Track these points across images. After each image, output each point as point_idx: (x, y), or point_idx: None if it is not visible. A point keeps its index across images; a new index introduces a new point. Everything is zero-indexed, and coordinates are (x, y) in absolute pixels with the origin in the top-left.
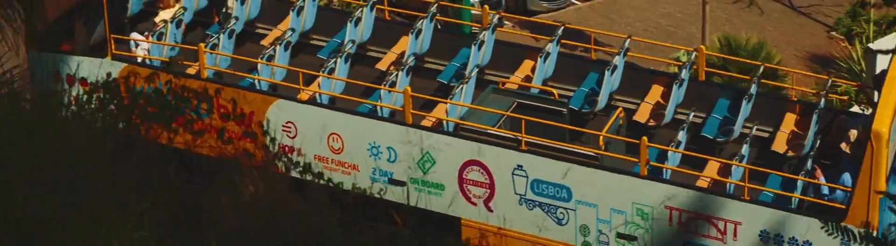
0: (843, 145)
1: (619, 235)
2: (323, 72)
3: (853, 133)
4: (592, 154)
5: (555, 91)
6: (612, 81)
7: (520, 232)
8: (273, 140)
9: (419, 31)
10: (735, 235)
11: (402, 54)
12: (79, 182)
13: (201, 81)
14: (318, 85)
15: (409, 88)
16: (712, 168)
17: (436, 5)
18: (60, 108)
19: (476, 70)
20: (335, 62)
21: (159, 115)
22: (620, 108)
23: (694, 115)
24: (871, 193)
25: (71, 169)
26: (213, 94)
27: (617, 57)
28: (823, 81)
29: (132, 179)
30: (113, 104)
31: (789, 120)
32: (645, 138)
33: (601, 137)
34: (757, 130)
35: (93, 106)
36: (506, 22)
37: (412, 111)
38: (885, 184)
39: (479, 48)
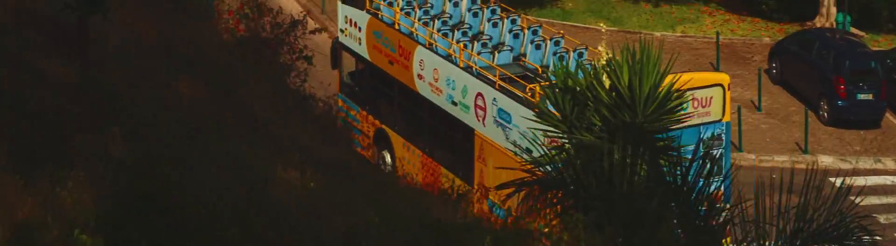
0: None
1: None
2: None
3: None
4: (524, 97)
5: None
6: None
7: (492, 140)
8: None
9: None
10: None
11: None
12: None
13: (395, 30)
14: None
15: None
16: None
17: None
18: None
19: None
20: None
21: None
22: None
23: None
24: None
25: None
26: (397, 39)
27: None
28: None
29: None
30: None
31: None
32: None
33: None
34: None
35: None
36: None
37: (464, 60)
38: None
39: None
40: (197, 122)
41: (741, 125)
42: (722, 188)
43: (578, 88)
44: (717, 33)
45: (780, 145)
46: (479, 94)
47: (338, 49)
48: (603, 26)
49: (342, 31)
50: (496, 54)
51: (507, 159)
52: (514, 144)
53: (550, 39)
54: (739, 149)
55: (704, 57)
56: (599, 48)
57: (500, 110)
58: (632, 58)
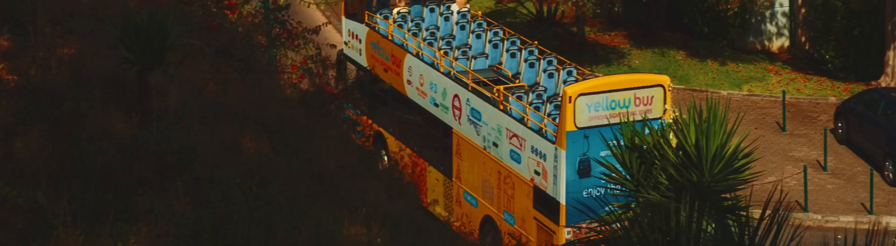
0: None
1: (493, 144)
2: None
3: None
4: (491, 97)
5: (509, 72)
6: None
7: (467, 137)
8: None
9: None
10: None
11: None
12: None
13: (388, 41)
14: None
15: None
16: None
17: None
18: None
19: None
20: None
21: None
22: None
23: None
24: None
25: None
26: (390, 48)
27: None
28: None
29: None
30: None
31: None
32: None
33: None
34: None
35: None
36: None
37: (445, 66)
38: None
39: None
40: (261, 178)
41: (807, 185)
42: None
43: (645, 147)
44: (784, 92)
45: (845, 206)
46: (456, 96)
47: (342, 61)
48: (670, 84)
49: (346, 43)
50: (473, 61)
51: (478, 153)
52: (484, 139)
53: (524, 49)
54: (805, 209)
55: (770, 116)
56: (666, 106)
57: (473, 109)
58: (698, 117)
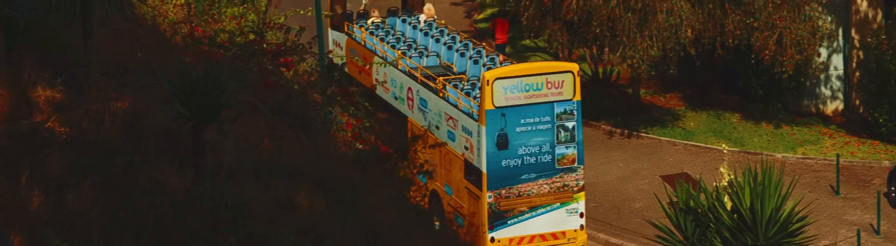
0: None
1: (436, 127)
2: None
3: None
4: (433, 87)
5: (455, 68)
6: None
7: (417, 123)
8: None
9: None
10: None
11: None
12: None
13: (361, 46)
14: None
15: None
16: None
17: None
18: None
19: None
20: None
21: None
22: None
23: None
24: None
25: None
26: (363, 52)
27: None
28: None
29: None
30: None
31: None
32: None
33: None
34: None
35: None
36: None
37: (401, 64)
38: None
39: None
40: (315, 235)
41: None
42: (575, 152)
43: (700, 210)
44: (837, 156)
45: None
46: (409, 89)
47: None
48: (725, 147)
49: (330, 51)
50: (426, 59)
51: (425, 136)
52: (429, 123)
53: (474, 49)
54: None
55: (824, 179)
56: (721, 170)
57: (421, 99)
58: (754, 180)
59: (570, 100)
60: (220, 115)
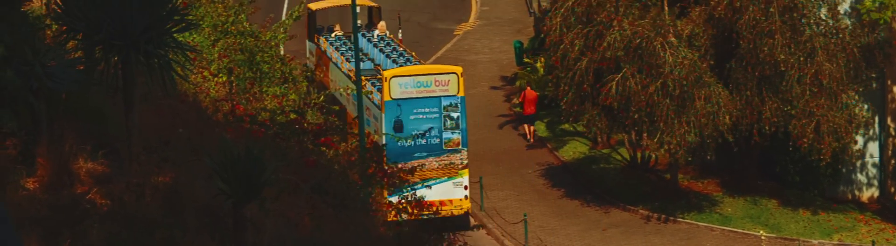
0: None
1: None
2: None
3: None
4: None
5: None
6: None
7: (351, 112)
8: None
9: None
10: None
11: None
12: None
13: (322, 53)
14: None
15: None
16: None
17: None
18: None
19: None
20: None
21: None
22: None
23: None
24: None
25: None
26: (325, 59)
27: None
28: None
29: None
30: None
31: None
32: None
33: None
34: None
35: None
36: None
37: (343, 68)
38: None
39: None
40: None
41: None
42: (459, 137)
43: None
44: (873, 243)
45: None
46: (347, 87)
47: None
48: (762, 233)
49: (308, 59)
50: (362, 63)
51: (353, 124)
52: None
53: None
54: None
55: None
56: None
57: (353, 94)
58: None
59: (455, 95)
60: (260, 193)
